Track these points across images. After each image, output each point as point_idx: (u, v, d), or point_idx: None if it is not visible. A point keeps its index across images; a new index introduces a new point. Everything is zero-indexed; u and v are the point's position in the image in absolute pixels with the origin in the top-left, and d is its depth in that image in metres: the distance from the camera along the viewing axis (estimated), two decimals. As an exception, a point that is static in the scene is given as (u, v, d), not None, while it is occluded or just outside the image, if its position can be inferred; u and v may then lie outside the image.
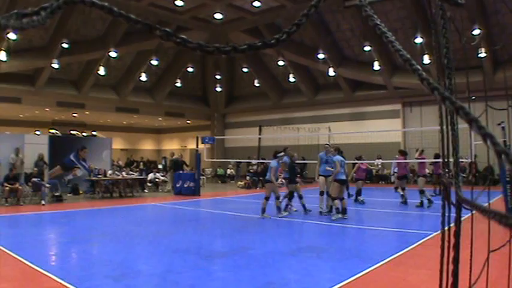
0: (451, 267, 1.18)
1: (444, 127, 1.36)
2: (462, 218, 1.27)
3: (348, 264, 5.43)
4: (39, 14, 0.65)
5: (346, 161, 10.62)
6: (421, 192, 11.20)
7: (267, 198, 9.89)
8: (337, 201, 9.31)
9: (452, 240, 1.21)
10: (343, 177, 9.50)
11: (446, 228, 1.31)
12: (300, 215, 10.12)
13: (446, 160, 1.43)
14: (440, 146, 1.42)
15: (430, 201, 11.05)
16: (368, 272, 4.97)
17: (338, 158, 9.62)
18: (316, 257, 5.88)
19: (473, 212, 0.84)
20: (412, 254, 6.00)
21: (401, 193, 11.86)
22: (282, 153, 10.20)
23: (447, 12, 1.24)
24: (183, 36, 0.75)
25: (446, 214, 1.28)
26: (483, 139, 0.62)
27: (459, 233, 1.18)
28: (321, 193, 10.37)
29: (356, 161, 13.37)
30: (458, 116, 0.69)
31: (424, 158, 12.37)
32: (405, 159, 12.18)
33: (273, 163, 9.87)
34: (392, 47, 0.89)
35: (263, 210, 9.81)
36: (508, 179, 8.44)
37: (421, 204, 11.14)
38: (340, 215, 9.20)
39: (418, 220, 9.80)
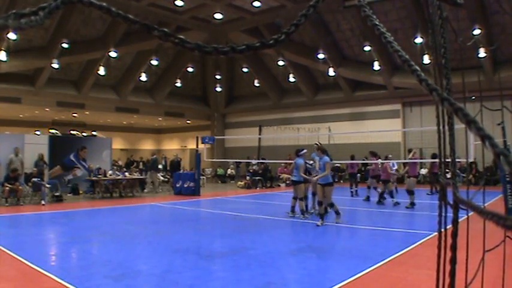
0: (448, 267, 1.18)
1: (441, 127, 1.36)
2: (460, 219, 1.27)
3: (348, 264, 5.43)
4: (37, 14, 0.65)
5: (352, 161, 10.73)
6: (411, 193, 11.19)
7: (301, 199, 9.79)
8: (336, 206, 8.93)
9: (450, 240, 1.21)
10: (331, 179, 8.96)
11: (443, 228, 1.31)
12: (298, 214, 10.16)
13: (442, 160, 1.43)
14: (438, 146, 1.42)
15: (413, 204, 11.10)
16: (368, 272, 4.97)
17: (314, 156, 9.52)
18: (316, 257, 5.88)
19: (469, 212, 0.83)
20: (412, 254, 6.00)
21: (380, 191, 12.31)
22: (305, 151, 10.05)
23: (444, 12, 1.24)
24: (181, 37, 0.75)
25: (443, 214, 1.28)
26: (482, 141, 0.62)
27: (456, 234, 1.18)
28: (313, 193, 10.31)
29: (383, 161, 13.30)
30: (457, 118, 0.69)
31: (416, 159, 12.18)
32: (376, 159, 12.79)
33: (299, 161, 9.73)
34: (391, 47, 0.89)
35: (302, 212, 9.73)
36: (508, 179, 8.43)
37: (411, 205, 11.14)
38: (338, 217, 8.83)
39: (418, 220, 9.80)
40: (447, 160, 1.49)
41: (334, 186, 9.15)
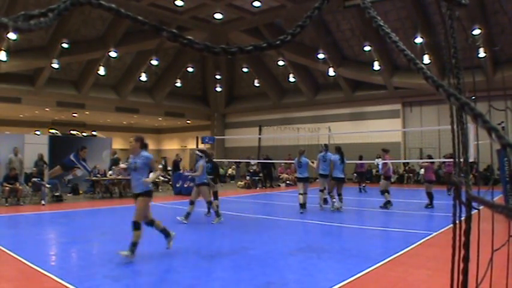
0: (461, 265, 1.19)
1: (453, 126, 1.37)
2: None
3: (348, 264, 5.43)
4: (46, 16, 0.65)
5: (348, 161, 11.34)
6: (382, 192, 11.19)
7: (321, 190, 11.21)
8: (216, 202, 9.52)
9: (462, 239, 1.22)
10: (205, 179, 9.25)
11: (457, 227, 1.31)
12: (298, 214, 10.19)
13: (456, 160, 1.43)
14: (452, 145, 1.43)
15: (387, 204, 11.07)
16: (368, 272, 4.98)
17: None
18: (316, 257, 5.88)
19: (479, 210, 0.84)
20: (412, 254, 6.01)
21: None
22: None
23: (456, 12, 1.25)
24: (190, 37, 0.75)
25: (457, 214, 1.28)
26: (488, 133, 0.63)
27: (469, 232, 1.18)
28: (322, 190, 11.28)
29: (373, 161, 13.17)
30: (464, 113, 0.70)
31: (387, 159, 11.87)
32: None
33: (335, 157, 10.94)
34: (396, 47, 0.90)
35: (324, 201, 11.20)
36: (508, 179, 8.44)
37: (385, 205, 11.11)
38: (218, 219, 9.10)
39: (418, 220, 9.80)
40: (449, 159, 1.50)
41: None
